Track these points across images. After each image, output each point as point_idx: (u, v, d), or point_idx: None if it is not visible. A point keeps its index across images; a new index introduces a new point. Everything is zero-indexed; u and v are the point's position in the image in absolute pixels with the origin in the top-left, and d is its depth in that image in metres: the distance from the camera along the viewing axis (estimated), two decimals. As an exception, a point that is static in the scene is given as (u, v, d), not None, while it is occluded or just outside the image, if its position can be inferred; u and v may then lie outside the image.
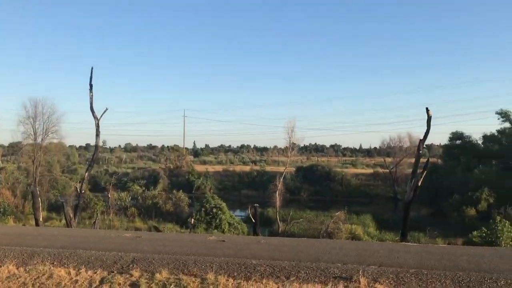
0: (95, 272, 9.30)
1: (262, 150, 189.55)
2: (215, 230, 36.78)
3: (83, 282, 8.82)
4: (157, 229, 33.52)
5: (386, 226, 41.40)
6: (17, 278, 9.02)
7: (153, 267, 9.42)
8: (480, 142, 49.38)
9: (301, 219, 36.25)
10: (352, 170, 79.24)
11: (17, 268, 9.60)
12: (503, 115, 44.53)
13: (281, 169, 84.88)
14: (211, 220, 37.59)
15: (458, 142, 49.00)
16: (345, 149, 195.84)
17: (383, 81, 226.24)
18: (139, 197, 42.68)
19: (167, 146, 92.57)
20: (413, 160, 76.80)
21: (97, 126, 31.43)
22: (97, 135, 31.80)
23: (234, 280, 8.61)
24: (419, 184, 26.09)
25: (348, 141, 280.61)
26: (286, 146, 40.39)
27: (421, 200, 55.73)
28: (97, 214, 31.50)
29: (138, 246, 11.84)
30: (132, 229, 33.81)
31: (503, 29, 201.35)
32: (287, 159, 51.78)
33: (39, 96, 55.96)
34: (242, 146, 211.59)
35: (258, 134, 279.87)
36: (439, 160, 56.50)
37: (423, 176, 26.10)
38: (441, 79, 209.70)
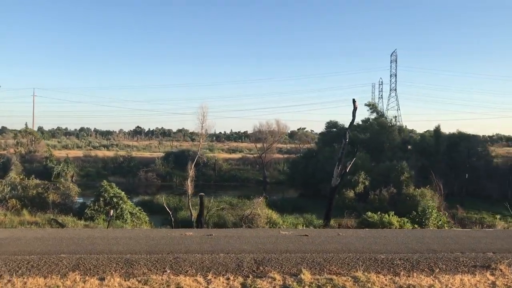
0: (228, 278, 8.23)
1: (106, 134, 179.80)
2: (117, 221, 34.23)
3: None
4: (58, 223, 29.75)
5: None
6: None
7: (287, 268, 8.71)
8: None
9: (221, 207, 35.73)
10: (222, 155, 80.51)
11: (126, 280, 7.93)
12: (371, 106, 50.40)
13: (147, 154, 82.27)
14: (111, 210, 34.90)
15: (334, 130, 53.78)
16: (192, 133, 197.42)
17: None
18: (19, 187, 37.05)
19: (19, 130, 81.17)
20: (281, 145, 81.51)
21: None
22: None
23: (384, 277, 8.51)
24: (347, 170, 28.09)
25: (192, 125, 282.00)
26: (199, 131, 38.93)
27: (294, 183, 60.09)
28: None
29: (234, 246, 10.49)
30: (27, 224, 29.53)
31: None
32: (190, 143, 50.01)
33: None
34: (82, 129, 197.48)
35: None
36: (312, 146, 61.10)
37: (351, 163, 28.11)
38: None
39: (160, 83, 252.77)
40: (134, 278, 7.78)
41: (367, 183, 45.56)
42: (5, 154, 67.27)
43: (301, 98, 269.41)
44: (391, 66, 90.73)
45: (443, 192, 38.94)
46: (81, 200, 40.99)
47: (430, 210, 25.49)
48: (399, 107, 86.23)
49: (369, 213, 35.43)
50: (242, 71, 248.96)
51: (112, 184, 37.28)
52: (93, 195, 46.33)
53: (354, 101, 27.36)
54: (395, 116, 50.73)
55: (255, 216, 31.18)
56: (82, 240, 10.07)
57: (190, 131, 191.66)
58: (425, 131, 58.54)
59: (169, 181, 67.82)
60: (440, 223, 25.16)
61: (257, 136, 72.15)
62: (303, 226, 34.05)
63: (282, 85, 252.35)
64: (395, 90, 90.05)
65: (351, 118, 28.50)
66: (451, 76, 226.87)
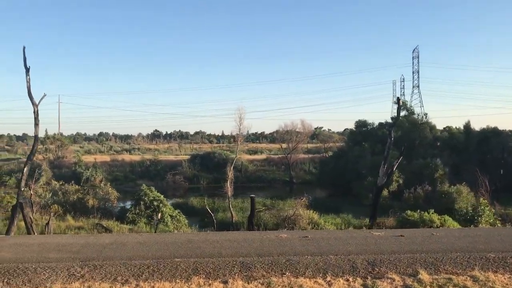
0: (348, 280, 8.26)
1: (125, 138, 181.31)
2: (158, 225, 34.52)
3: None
4: (104, 227, 30.13)
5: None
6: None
7: (401, 269, 8.70)
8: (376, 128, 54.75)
9: (264, 208, 35.73)
10: (246, 156, 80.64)
11: (249, 283, 7.99)
12: (401, 104, 50.07)
13: (171, 157, 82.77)
14: (152, 214, 35.25)
15: (364, 129, 53.59)
16: (209, 135, 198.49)
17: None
18: (59, 192, 37.60)
19: (46, 135, 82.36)
20: (306, 145, 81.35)
21: (36, 114, 27.20)
22: (37, 124, 27.53)
23: (502, 276, 8.45)
24: (394, 169, 27.94)
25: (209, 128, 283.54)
26: (237, 134, 39.04)
27: (322, 183, 59.91)
28: (49, 214, 26.86)
29: (337, 247, 10.45)
30: (74, 229, 29.99)
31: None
32: (209, 146, 50.30)
33: None
34: (101, 134, 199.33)
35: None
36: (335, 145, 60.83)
37: (398, 161, 27.96)
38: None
39: (177, 86, 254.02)
40: (256, 281, 7.84)
41: (401, 181, 45.24)
42: (34, 161, 68.26)
43: (317, 98, 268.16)
44: (413, 62, 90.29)
45: (488, 189, 38.35)
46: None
47: (483, 207, 25.14)
48: (422, 104, 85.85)
49: (409, 212, 35.23)
50: (254, 73, 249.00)
51: (151, 187, 37.66)
52: (125, 198, 47.09)
53: (398, 99, 27.35)
54: (426, 113, 50.27)
55: (297, 217, 31.18)
56: (185, 244, 10.14)
57: (214, 133, 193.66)
58: (454, 128, 57.92)
59: (197, 183, 68.26)
60: (491, 220, 24.88)
61: (282, 136, 71.93)
62: (345, 226, 34.03)
63: (296, 85, 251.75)
64: (418, 87, 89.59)
65: (366, 117, 28.39)
66: (474, 71, 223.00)
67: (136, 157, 78.41)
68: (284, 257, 9.09)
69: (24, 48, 26.41)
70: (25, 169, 27.17)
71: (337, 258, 9.08)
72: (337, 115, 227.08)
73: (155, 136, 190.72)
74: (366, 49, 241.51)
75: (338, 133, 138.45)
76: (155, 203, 35.56)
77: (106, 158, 77.14)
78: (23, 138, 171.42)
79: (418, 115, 51.51)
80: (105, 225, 30.75)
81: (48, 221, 25.49)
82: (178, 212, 36.98)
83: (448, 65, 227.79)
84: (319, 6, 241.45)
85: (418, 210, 35.34)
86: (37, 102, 26.74)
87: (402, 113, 51.63)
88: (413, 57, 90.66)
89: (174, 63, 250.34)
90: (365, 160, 46.77)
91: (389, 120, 54.07)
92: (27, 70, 26.52)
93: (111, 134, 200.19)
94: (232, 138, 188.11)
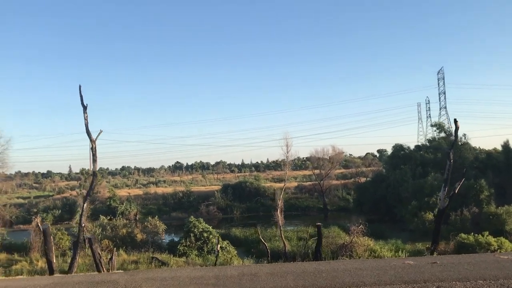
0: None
1: (148, 171, 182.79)
2: (209, 256, 34.30)
3: None
4: (160, 260, 29.99)
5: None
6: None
7: None
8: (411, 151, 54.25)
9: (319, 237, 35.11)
10: (277, 185, 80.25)
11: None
12: (438, 126, 49.78)
13: (203, 188, 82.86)
14: (203, 245, 35.12)
15: (402, 153, 53.17)
16: (230, 165, 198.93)
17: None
18: (108, 227, 37.73)
19: (81, 171, 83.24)
20: (338, 171, 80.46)
21: (94, 150, 27.50)
22: (95, 160, 27.72)
23: None
24: (456, 191, 27.45)
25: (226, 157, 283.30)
26: (282, 160, 38.81)
27: (361, 209, 59.10)
28: (112, 249, 26.89)
29: (480, 272, 9.91)
30: (130, 263, 29.94)
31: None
32: (232, 175, 50.26)
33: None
34: (123, 168, 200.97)
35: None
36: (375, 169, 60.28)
37: (460, 184, 27.49)
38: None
39: (199, 119, 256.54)
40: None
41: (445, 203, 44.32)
42: (69, 197, 68.90)
43: (337, 124, 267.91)
44: (438, 84, 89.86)
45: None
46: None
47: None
48: (451, 125, 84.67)
49: (463, 235, 34.47)
50: (272, 103, 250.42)
51: (199, 219, 37.64)
52: (167, 231, 46.92)
53: (455, 121, 26.92)
54: (464, 134, 49.65)
55: (354, 244, 30.69)
56: (329, 273, 9.94)
57: (234, 162, 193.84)
58: (490, 148, 57.17)
59: (230, 213, 67.97)
60: None
61: (315, 162, 71.55)
62: (403, 252, 33.34)
63: (315, 112, 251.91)
64: (445, 108, 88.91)
65: (388, 141, 27.98)
66: (499, 90, 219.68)
67: (168, 189, 78.68)
68: (433, 284, 8.83)
69: (80, 87, 26.89)
70: (85, 205, 27.31)
71: (489, 284, 8.80)
72: (357, 139, 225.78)
73: (177, 167, 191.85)
74: (384, 74, 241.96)
75: (360, 157, 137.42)
76: (205, 234, 35.47)
77: (139, 191, 77.51)
78: (48, 175, 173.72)
79: (460, 136, 50.89)
80: (160, 258, 30.65)
81: (111, 256, 25.47)
82: (227, 243, 36.77)
83: (474, 85, 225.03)
84: (334, 34, 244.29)
85: (472, 233, 34.66)
86: (94, 138, 27.13)
87: (441, 135, 51.24)
88: (438, 79, 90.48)
89: (190, 97, 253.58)
90: (408, 184, 46.12)
91: (424, 143, 53.67)
92: (85, 108, 26.94)
93: (133, 167, 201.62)
94: (253, 167, 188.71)
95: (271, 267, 10.94)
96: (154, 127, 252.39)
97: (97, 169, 28.01)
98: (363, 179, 76.02)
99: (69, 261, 28.17)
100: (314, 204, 69.24)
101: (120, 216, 62.94)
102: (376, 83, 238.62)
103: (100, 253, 23.75)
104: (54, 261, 23.86)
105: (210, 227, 36.36)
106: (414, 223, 44.67)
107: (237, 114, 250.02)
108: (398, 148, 54.31)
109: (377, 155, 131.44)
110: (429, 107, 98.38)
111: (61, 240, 34.53)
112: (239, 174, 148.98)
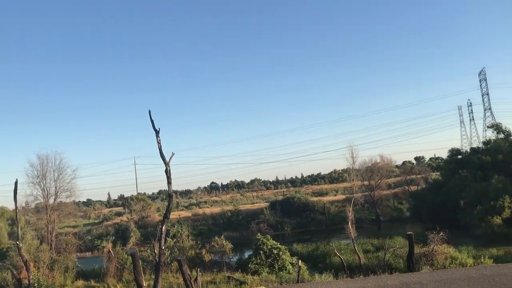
0: None
1: (186, 193, 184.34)
2: (281, 272, 33.89)
3: None
4: (236, 280, 29.77)
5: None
6: None
7: None
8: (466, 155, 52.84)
9: (397, 246, 34.44)
10: (325, 198, 79.51)
11: None
12: (495, 127, 48.34)
13: (249, 206, 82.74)
14: (273, 263, 34.72)
15: (459, 157, 51.78)
16: (265, 182, 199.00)
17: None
18: (175, 249, 37.92)
19: (130, 196, 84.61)
20: (388, 180, 78.46)
21: (168, 172, 27.65)
22: (169, 182, 27.82)
23: None
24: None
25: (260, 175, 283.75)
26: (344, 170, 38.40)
27: (419, 217, 57.60)
28: (196, 271, 26.86)
29: None
30: (207, 284, 29.77)
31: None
32: (270, 192, 49.84)
33: (47, 152, 48.57)
34: (160, 192, 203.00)
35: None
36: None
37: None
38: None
39: (225, 139, 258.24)
40: None
41: (514, 207, 42.83)
42: (120, 223, 69.73)
43: (374, 134, 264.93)
44: (481, 85, 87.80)
45: None
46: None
47: None
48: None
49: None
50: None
51: (267, 236, 37.38)
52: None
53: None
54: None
55: (435, 253, 29.78)
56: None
57: (268, 179, 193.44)
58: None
59: (280, 230, 67.41)
60: None
61: (364, 173, 70.50)
62: (484, 259, 32.10)
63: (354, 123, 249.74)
64: (490, 109, 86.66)
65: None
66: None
67: (216, 209, 78.87)
68: None
69: (149, 112, 27.19)
70: (163, 227, 27.35)
71: None
72: (391, 148, 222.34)
73: (213, 188, 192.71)
74: (417, 82, 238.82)
75: (397, 166, 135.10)
76: (275, 251, 35.13)
77: (187, 213, 77.95)
78: (88, 203, 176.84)
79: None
80: (236, 277, 30.43)
81: (196, 277, 25.44)
82: (297, 259, 36.31)
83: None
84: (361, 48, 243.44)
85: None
86: (168, 161, 27.33)
87: (500, 136, 49.63)
88: (480, 80, 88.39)
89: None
90: (471, 188, 44.78)
91: (477, 146, 52.07)
92: (157, 132, 27.27)
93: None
94: (288, 182, 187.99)
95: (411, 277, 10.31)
96: (183, 150, 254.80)
97: (171, 191, 28.20)
98: (413, 187, 74.47)
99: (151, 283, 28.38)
100: (366, 216, 67.90)
101: (173, 238, 63.51)
102: (407, 91, 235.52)
103: (190, 274, 23.73)
104: (144, 284, 23.99)
105: (277, 244, 36.01)
106: (481, 228, 43.19)
107: (267, 131, 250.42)
108: (455, 153, 52.91)
109: (414, 162, 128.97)
110: (471, 110, 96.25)
111: (131, 265, 34.68)
112: (276, 191, 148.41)
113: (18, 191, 27.16)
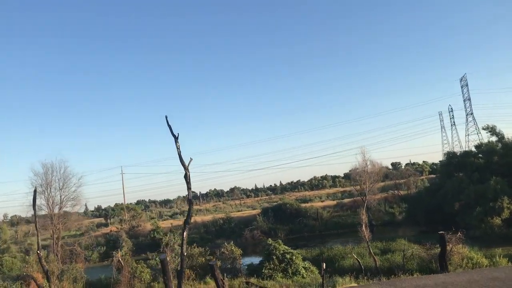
0: None
1: (165, 203, 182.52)
2: (295, 277, 33.61)
3: None
4: (254, 285, 29.30)
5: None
6: None
7: None
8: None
9: (409, 249, 34.55)
10: (316, 204, 79.61)
11: None
12: (490, 129, 49.48)
13: (239, 213, 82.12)
14: (287, 267, 34.41)
15: (456, 160, 52.69)
16: (244, 190, 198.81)
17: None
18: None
19: (121, 206, 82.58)
20: (379, 184, 79.26)
21: (188, 178, 27.20)
22: (189, 188, 27.38)
23: None
24: None
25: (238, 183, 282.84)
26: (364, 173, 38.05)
27: (415, 220, 58.30)
28: (223, 277, 26.29)
29: None
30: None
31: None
32: (252, 200, 49.68)
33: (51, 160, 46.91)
34: (138, 202, 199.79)
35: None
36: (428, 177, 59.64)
37: None
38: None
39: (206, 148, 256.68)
40: None
41: (512, 208, 43.81)
42: (112, 233, 68.13)
43: (355, 141, 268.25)
44: (462, 91, 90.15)
45: None
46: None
47: None
48: (479, 131, 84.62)
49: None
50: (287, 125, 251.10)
51: (278, 241, 37.11)
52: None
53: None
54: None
55: (452, 254, 30.00)
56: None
57: (246, 187, 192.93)
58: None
59: (274, 236, 66.86)
60: None
61: (354, 178, 70.99)
62: (500, 258, 32.49)
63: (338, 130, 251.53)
64: (472, 114, 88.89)
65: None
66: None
67: (207, 217, 77.96)
68: None
69: (166, 117, 26.65)
70: (185, 233, 26.73)
71: None
72: (377, 154, 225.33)
73: (193, 197, 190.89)
74: (393, 89, 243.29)
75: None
76: (288, 256, 34.88)
77: (179, 222, 76.68)
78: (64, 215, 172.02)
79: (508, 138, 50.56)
80: (256, 283, 29.97)
81: (223, 283, 24.95)
82: (310, 263, 36.26)
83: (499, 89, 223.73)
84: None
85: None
86: (187, 165, 26.82)
87: (492, 139, 50.87)
88: (461, 86, 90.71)
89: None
90: (469, 190, 45.62)
91: (468, 149, 53.19)
92: (176, 138, 26.68)
93: (147, 201, 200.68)
94: (268, 190, 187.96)
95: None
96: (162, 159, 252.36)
97: (191, 196, 27.65)
98: (402, 192, 75.42)
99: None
100: (359, 220, 68.13)
101: (166, 247, 62.32)
102: (388, 98, 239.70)
103: (222, 279, 23.21)
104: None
105: (289, 248, 35.82)
106: (481, 229, 43.98)
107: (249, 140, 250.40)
108: (451, 156, 53.95)
109: (391, 168, 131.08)
110: (452, 115, 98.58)
111: (142, 274, 33.83)
112: (258, 198, 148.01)
113: (22, 201, 26.00)
